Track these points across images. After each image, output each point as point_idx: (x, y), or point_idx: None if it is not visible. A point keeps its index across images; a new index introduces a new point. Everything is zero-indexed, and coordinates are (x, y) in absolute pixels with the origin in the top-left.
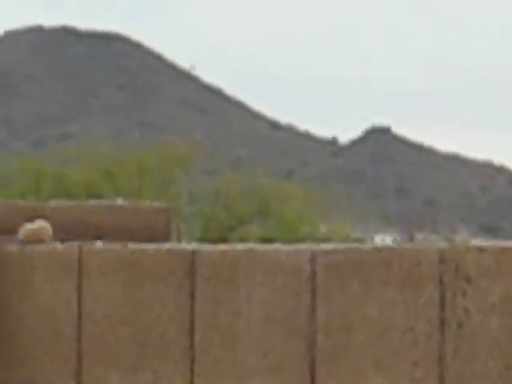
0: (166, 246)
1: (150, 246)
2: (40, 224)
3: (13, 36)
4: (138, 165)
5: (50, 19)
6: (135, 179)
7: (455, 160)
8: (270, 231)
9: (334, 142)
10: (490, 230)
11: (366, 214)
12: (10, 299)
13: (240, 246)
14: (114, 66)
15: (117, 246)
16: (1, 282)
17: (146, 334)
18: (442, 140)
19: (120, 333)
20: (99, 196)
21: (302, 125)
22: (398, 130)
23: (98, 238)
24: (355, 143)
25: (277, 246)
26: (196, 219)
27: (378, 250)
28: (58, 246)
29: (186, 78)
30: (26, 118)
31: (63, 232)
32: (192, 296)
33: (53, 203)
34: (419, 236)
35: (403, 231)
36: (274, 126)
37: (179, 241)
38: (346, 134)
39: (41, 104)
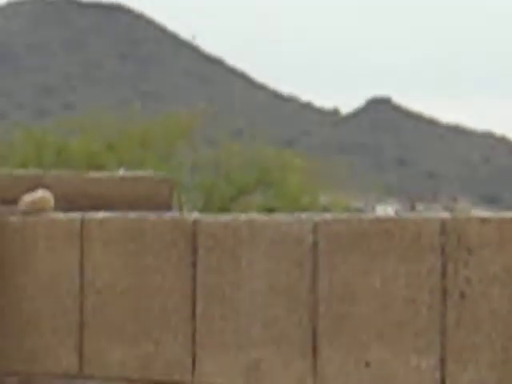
0: (168, 215)
1: (151, 217)
2: (41, 194)
3: (15, 6)
4: (140, 136)
5: None
6: (138, 150)
7: (456, 130)
8: (271, 201)
9: (335, 112)
10: (492, 201)
11: (367, 184)
12: (12, 269)
13: (241, 217)
14: (116, 36)
15: (118, 216)
16: (3, 253)
17: (148, 304)
18: (443, 111)
19: (121, 303)
20: (101, 167)
21: (304, 95)
22: (399, 100)
23: (100, 208)
24: (356, 114)
25: (278, 216)
26: (198, 190)
27: (380, 220)
28: (60, 215)
29: (188, 48)
30: (27, 88)
31: (65, 202)
32: (194, 266)
33: (54, 173)
34: (420, 206)
35: (404, 201)
36: (276, 96)
37: (181, 211)
38: (348, 104)
39: (43, 74)
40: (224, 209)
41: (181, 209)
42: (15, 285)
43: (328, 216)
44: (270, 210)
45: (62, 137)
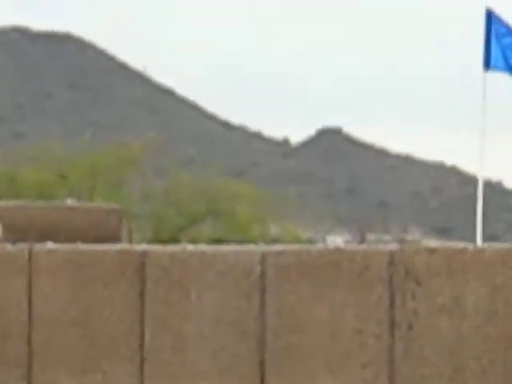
0: (116, 246)
1: (100, 247)
2: None
3: None
4: (90, 165)
5: (1, 19)
6: (88, 179)
7: (407, 161)
8: (221, 231)
9: (285, 142)
10: (442, 231)
11: (317, 214)
12: None
13: (190, 248)
14: (66, 65)
15: (67, 247)
16: None
17: (96, 334)
18: (394, 141)
19: (70, 333)
20: (52, 197)
21: (254, 125)
22: (350, 130)
23: (48, 238)
24: (307, 144)
25: (227, 247)
26: (148, 219)
27: (328, 251)
28: (8, 246)
29: (138, 78)
30: None
31: (13, 232)
32: (142, 297)
33: (2, 203)
34: (371, 236)
35: (355, 231)
36: (226, 126)
37: (130, 241)
38: (298, 134)
39: None
40: (174, 238)
41: (130, 238)
42: None
43: (276, 247)
44: (220, 241)
45: (13, 166)
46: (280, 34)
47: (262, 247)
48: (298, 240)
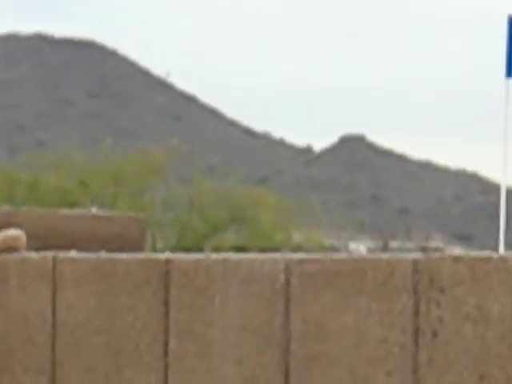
0: (141, 255)
1: (124, 256)
2: (14, 232)
3: None
4: (112, 172)
5: (25, 26)
6: (110, 187)
7: (429, 168)
8: (244, 239)
9: (308, 150)
10: (464, 238)
11: (340, 221)
12: None
13: (214, 255)
14: (88, 72)
15: (91, 256)
16: None
17: (120, 342)
18: (416, 148)
19: (94, 342)
20: (73, 204)
21: (277, 132)
22: (372, 137)
23: (72, 246)
24: (329, 151)
25: (251, 255)
26: (171, 227)
27: (353, 259)
28: (32, 254)
29: (160, 85)
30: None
31: (37, 240)
32: (166, 305)
33: (26, 211)
34: (393, 244)
35: (377, 239)
36: (249, 133)
37: (153, 249)
38: (321, 142)
39: (15, 111)
40: (197, 246)
41: (153, 246)
42: None
43: (300, 255)
44: (242, 248)
45: (34, 174)
46: (302, 42)
47: (286, 255)
48: (321, 247)
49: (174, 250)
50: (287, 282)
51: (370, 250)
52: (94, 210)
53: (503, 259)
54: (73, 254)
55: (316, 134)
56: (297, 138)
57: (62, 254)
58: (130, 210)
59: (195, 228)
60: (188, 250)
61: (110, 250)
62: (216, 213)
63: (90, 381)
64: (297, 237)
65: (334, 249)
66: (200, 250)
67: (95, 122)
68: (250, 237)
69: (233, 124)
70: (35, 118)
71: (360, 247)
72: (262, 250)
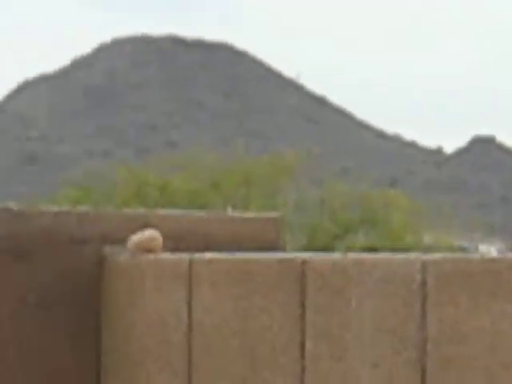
0: (277, 255)
1: (260, 256)
2: (151, 233)
3: (119, 44)
4: (244, 174)
5: (157, 28)
6: (241, 189)
7: None
8: (374, 240)
9: (438, 151)
10: None
11: (470, 223)
12: (120, 309)
13: (350, 255)
14: (219, 74)
15: (226, 257)
16: (112, 292)
17: (256, 345)
18: None
19: (229, 344)
20: (204, 206)
21: (408, 134)
22: (503, 139)
23: (207, 248)
24: (460, 153)
25: (386, 255)
26: (302, 228)
27: (488, 260)
28: (168, 255)
29: (292, 86)
30: (130, 126)
31: (172, 241)
32: (302, 306)
33: (161, 212)
34: None
35: (507, 240)
36: (380, 135)
37: (285, 250)
38: (451, 143)
39: (146, 112)
40: (328, 247)
41: (284, 248)
42: (123, 323)
43: (436, 256)
44: (372, 249)
45: (164, 174)
46: (434, 43)
47: (422, 255)
48: (451, 249)
49: (304, 250)
50: (423, 283)
51: (500, 252)
52: (229, 211)
53: None
54: (208, 255)
55: (446, 135)
56: (428, 139)
57: (197, 256)
58: (263, 211)
59: (326, 229)
60: (318, 251)
61: (247, 250)
62: (347, 214)
63: (225, 383)
64: (427, 238)
65: (464, 250)
66: (330, 251)
67: (226, 123)
68: (380, 238)
69: (364, 126)
70: (166, 119)
71: (491, 249)
72: (393, 251)
